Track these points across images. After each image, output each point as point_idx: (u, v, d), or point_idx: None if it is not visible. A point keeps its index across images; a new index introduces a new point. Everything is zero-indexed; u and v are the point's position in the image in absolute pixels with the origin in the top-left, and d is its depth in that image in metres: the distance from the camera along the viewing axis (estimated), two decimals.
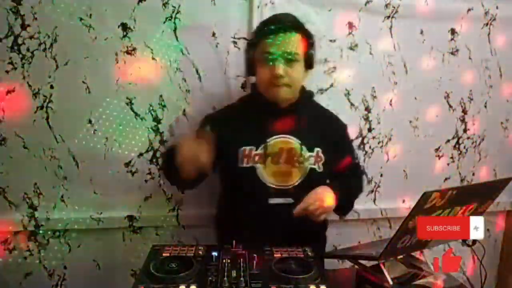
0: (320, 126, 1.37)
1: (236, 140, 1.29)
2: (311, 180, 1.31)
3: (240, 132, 1.30)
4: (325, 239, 1.50)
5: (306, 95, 1.41)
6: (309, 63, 1.29)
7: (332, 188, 1.27)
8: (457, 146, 2.00)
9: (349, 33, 1.72)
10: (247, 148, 1.29)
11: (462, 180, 2.04)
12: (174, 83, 1.59)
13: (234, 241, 1.17)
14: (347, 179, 1.41)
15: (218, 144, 1.21)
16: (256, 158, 1.28)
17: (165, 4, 1.53)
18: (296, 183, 1.30)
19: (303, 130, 1.32)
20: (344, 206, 1.36)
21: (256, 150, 1.29)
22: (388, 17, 1.76)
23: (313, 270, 1.02)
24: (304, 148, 1.31)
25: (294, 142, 1.31)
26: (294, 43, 1.24)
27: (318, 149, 1.33)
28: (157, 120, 1.60)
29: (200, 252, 1.12)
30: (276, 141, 1.30)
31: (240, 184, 1.31)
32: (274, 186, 1.29)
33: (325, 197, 1.22)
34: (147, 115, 1.59)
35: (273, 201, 1.28)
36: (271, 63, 1.23)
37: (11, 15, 1.40)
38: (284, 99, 1.30)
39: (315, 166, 1.33)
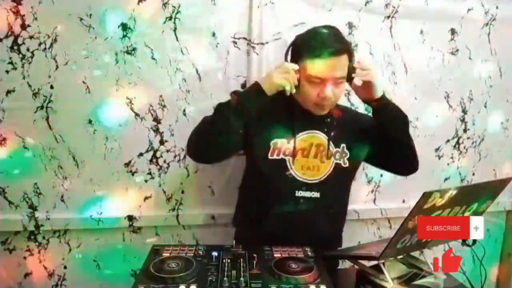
0: (347, 122, 1.39)
1: (268, 132, 1.31)
2: (337, 175, 1.34)
3: (272, 124, 1.31)
4: (341, 240, 1.50)
5: None
6: (350, 77, 1.28)
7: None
8: (457, 146, 2.00)
9: (349, 33, 1.72)
10: (279, 140, 1.31)
11: (462, 180, 2.04)
12: (174, 83, 1.59)
13: (234, 241, 1.17)
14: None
15: (249, 134, 1.27)
16: (287, 151, 1.31)
17: (165, 4, 1.53)
18: (323, 178, 1.33)
19: (330, 126, 1.35)
20: (395, 119, 1.36)
21: (287, 143, 1.31)
22: (388, 17, 1.76)
23: (313, 270, 1.02)
24: (331, 143, 1.34)
25: (322, 137, 1.34)
26: (343, 66, 1.23)
27: (343, 144, 1.36)
28: (157, 120, 1.60)
29: (200, 252, 1.12)
30: (305, 136, 1.33)
31: (269, 176, 1.32)
32: (301, 180, 1.31)
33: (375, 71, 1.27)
34: (147, 115, 1.59)
35: (300, 193, 1.31)
36: (319, 86, 1.23)
37: (11, 15, 1.40)
38: (326, 112, 1.33)
39: (340, 161, 1.36)
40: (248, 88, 1.27)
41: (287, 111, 1.33)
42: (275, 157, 1.31)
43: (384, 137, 1.34)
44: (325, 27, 1.29)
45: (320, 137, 1.34)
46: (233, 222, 1.53)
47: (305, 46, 1.23)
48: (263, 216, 1.32)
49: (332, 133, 1.35)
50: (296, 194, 1.31)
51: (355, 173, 1.47)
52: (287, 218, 1.30)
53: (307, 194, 1.32)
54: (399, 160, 1.42)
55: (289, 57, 1.29)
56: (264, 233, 1.29)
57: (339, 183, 1.37)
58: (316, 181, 1.33)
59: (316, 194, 1.32)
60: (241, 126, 1.23)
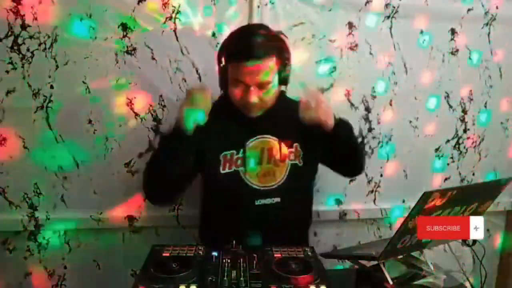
0: (295, 120, 1.28)
1: (215, 146, 1.27)
2: (295, 176, 1.30)
3: (219, 137, 1.27)
4: (308, 239, 1.47)
5: (279, 97, 1.32)
6: (284, 81, 1.25)
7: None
8: (457, 146, 2.00)
9: (349, 33, 1.72)
10: (228, 153, 1.28)
11: (462, 180, 2.04)
12: (174, 83, 1.59)
13: (234, 241, 1.17)
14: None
15: (198, 152, 1.23)
16: (238, 161, 1.27)
17: (165, 4, 1.53)
18: (281, 182, 1.30)
19: (280, 127, 1.31)
20: (347, 144, 1.30)
21: (237, 154, 1.28)
22: (388, 17, 1.76)
23: (313, 270, 1.02)
24: (283, 145, 1.30)
25: (273, 140, 1.30)
26: (267, 70, 1.17)
27: (296, 143, 1.32)
28: (157, 120, 1.60)
29: (200, 252, 1.12)
30: (255, 143, 1.29)
31: (224, 189, 1.28)
32: (259, 188, 1.28)
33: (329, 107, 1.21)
34: (147, 115, 1.59)
35: (260, 202, 1.27)
36: (244, 89, 1.19)
37: (11, 15, 1.40)
38: (256, 114, 1.27)
39: (296, 161, 1.32)
40: (169, 132, 1.21)
41: (232, 119, 1.28)
42: (227, 170, 1.27)
43: (336, 146, 1.28)
44: (252, 27, 1.27)
45: (271, 140, 1.30)
46: (200, 237, 1.48)
47: (228, 49, 1.20)
48: (227, 229, 1.25)
49: (281, 134, 1.30)
50: (256, 203, 1.27)
51: (315, 173, 1.42)
52: (251, 227, 1.24)
53: (268, 201, 1.27)
54: (347, 163, 1.38)
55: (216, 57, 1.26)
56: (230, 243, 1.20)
57: (298, 184, 1.33)
58: (275, 186, 1.29)
59: (277, 199, 1.28)
60: (189, 151, 1.20)
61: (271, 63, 1.18)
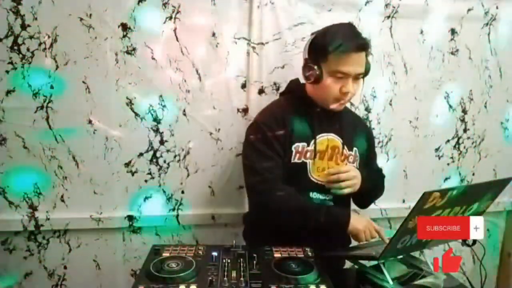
0: (356, 127, 1.45)
1: (289, 137, 1.31)
2: None
3: (293, 129, 1.32)
4: (350, 240, 1.48)
5: None
6: (366, 74, 1.34)
7: (362, 172, 1.34)
8: (457, 146, 2.00)
9: None
10: (300, 144, 1.32)
11: (462, 180, 2.04)
12: (174, 83, 1.59)
13: (234, 241, 1.17)
14: (375, 177, 1.48)
15: (283, 137, 1.30)
16: (308, 154, 1.32)
17: (165, 4, 1.53)
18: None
19: (344, 130, 1.38)
20: (366, 195, 1.43)
21: (308, 146, 1.32)
22: (388, 17, 1.76)
23: (313, 270, 1.02)
24: (345, 146, 1.36)
25: (338, 140, 1.36)
26: (364, 62, 1.28)
27: (356, 148, 1.40)
28: (157, 120, 1.60)
29: (200, 252, 1.12)
30: (323, 139, 1.34)
31: (290, 179, 1.31)
32: (317, 182, 1.33)
33: (356, 173, 1.32)
34: (147, 115, 1.59)
35: (314, 195, 1.33)
36: (341, 81, 1.26)
37: (11, 15, 1.40)
38: (340, 108, 1.35)
39: (354, 165, 1.39)
40: (337, 219, 1.28)
41: (304, 113, 1.35)
42: (297, 160, 1.31)
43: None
44: (344, 24, 1.33)
45: (335, 139, 1.36)
46: (243, 219, 1.52)
47: (330, 42, 1.24)
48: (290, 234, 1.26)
49: (346, 136, 1.38)
50: (311, 195, 1.33)
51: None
52: (308, 234, 1.26)
53: (322, 196, 1.33)
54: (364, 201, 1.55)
55: (306, 55, 1.31)
56: (276, 233, 1.25)
57: None
58: None
59: (330, 196, 1.35)
60: None
61: (365, 57, 1.29)
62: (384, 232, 1.27)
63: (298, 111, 1.35)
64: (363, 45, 1.26)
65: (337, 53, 1.22)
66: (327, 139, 1.35)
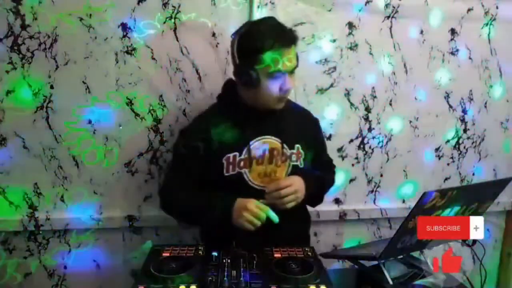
0: (296, 122, 1.37)
1: (218, 149, 1.28)
2: None
3: (221, 140, 1.28)
4: (309, 238, 1.49)
5: None
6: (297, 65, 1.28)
7: (305, 179, 1.28)
8: (457, 146, 2.00)
9: (349, 33, 1.72)
10: (231, 155, 1.27)
11: (462, 180, 2.04)
12: (174, 83, 1.59)
13: (234, 241, 1.17)
14: (322, 173, 1.43)
15: (200, 156, 1.26)
16: (242, 163, 1.28)
17: (165, 4, 1.53)
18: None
19: (282, 128, 1.31)
20: (314, 198, 1.38)
21: (240, 155, 1.28)
22: (388, 17, 1.76)
23: (313, 270, 1.02)
24: (285, 146, 1.31)
25: (276, 141, 1.31)
26: (295, 56, 1.23)
27: (298, 145, 1.33)
28: (157, 120, 1.60)
29: (200, 252, 1.12)
30: (258, 143, 1.29)
31: (228, 191, 1.27)
32: (261, 188, 1.28)
33: (299, 185, 1.25)
34: (147, 115, 1.59)
35: (262, 202, 1.24)
36: (279, 80, 1.21)
37: (11, 15, 1.40)
38: (281, 106, 1.29)
39: (297, 163, 1.33)
40: (217, 215, 1.22)
41: (236, 120, 1.29)
42: (231, 172, 1.27)
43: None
44: (266, 19, 1.27)
45: (273, 141, 1.30)
46: (201, 238, 1.49)
47: (261, 42, 1.17)
48: (228, 229, 1.23)
49: (284, 135, 1.31)
50: None
51: None
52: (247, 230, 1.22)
53: None
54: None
55: (237, 60, 1.23)
56: (230, 240, 1.20)
57: None
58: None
59: None
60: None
61: (295, 50, 1.23)
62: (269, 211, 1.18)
63: (229, 119, 1.29)
64: (295, 39, 1.21)
65: (271, 53, 1.17)
66: (263, 142, 1.29)
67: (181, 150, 1.32)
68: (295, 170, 1.32)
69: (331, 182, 1.52)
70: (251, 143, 1.28)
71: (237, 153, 1.27)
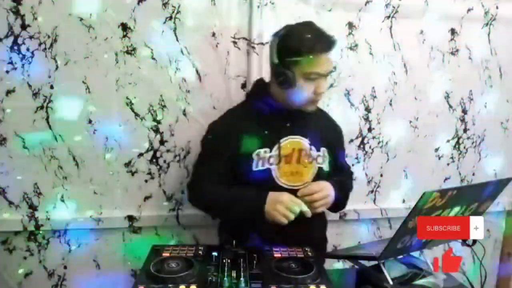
0: (323, 127, 1.42)
1: (248, 144, 1.29)
2: (320, 179, 1.33)
3: (252, 135, 1.30)
4: (326, 240, 1.51)
5: None
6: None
7: (333, 185, 1.31)
8: (457, 146, 2.00)
9: (349, 33, 1.72)
10: (261, 150, 1.30)
11: (462, 180, 2.04)
12: (174, 83, 1.59)
13: (234, 241, 1.17)
14: (345, 179, 1.46)
15: (230, 151, 1.28)
16: (271, 159, 1.30)
17: (165, 4, 1.53)
18: (307, 183, 1.32)
19: (311, 130, 1.35)
20: (339, 204, 1.40)
21: (270, 151, 1.30)
22: (388, 17, 1.76)
23: (313, 270, 1.02)
24: (313, 147, 1.34)
25: (304, 142, 1.34)
26: (331, 60, 1.27)
27: (324, 148, 1.37)
28: (157, 120, 1.60)
29: (200, 252, 1.12)
30: (288, 142, 1.32)
31: (257, 186, 1.29)
32: (287, 187, 1.30)
33: (329, 190, 1.28)
34: (147, 115, 1.59)
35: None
36: (315, 82, 1.25)
37: (11, 15, 1.40)
38: (314, 109, 1.34)
39: (323, 165, 1.36)
40: (249, 207, 1.25)
41: (267, 118, 1.32)
42: (260, 167, 1.29)
43: None
44: (307, 23, 1.29)
45: (301, 142, 1.33)
46: (218, 233, 1.50)
47: (302, 44, 1.21)
48: (250, 225, 1.28)
49: (312, 137, 1.35)
50: None
51: None
52: (273, 226, 1.24)
53: None
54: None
55: (276, 60, 1.26)
56: (249, 238, 1.25)
57: None
58: (301, 186, 1.31)
59: (304, 200, 1.28)
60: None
61: (331, 56, 1.27)
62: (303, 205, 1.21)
63: (259, 115, 1.32)
64: (333, 44, 1.24)
65: (311, 55, 1.21)
66: (292, 142, 1.32)
67: (210, 144, 1.35)
68: (320, 172, 1.35)
69: (352, 188, 1.56)
70: (281, 140, 1.31)
71: (267, 149, 1.30)
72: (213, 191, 1.32)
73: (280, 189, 1.29)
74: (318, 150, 1.35)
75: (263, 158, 1.29)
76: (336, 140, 1.47)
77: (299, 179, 1.32)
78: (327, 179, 1.34)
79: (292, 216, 1.18)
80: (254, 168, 1.29)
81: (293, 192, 1.28)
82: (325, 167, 1.37)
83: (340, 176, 1.43)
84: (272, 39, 1.30)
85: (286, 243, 1.20)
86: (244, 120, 1.32)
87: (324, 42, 1.23)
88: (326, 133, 1.40)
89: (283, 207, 1.18)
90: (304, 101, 1.28)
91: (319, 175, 1.34)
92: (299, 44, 1.22)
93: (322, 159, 1.36)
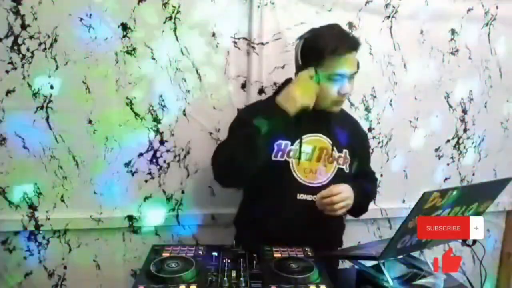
0: (348, 129, 1.43)
1: (271, 132, 1.28)
2: (339, 180, 1.34)
3: (276, 125, 1.28)
4: (342, 244, 1.51)
5: None
6: (358, 71, 1.33)
7: (354, 188, 1.30)
8: (457, 146, 2.00)
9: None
10: (283, 142, 1.31)
11: (462, 180, 2.04)
12: (174, 83, 1.59)
13: (234, 241, 1.17)
14: (366, 183, 1.46)
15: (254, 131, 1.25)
16: (291, 153, 1.31)
17: (165, 4, 1.53)
18: (325, 182, 1.33)
19: (334, 131, 1.37)
20: (359, 207, 1.39)
21: (291, 145, 1.31)
22: (388, 17, 1.76)
23: (313, 270, 1.02)
24: (334, 148, 1.35)
25: (326, 141, 1.35)
26: (356, 61, 1.28)
27: (346, 150, 1.38)
28: (157, 120, 1.60)
29: (200, 252, 1.12)
30: (310, 139, 1.33)
31: (272, 177, 1.31)
32: (304, 182, 1.31)
33: (349, 193, 1.27)
34: (147, 115, 1.59)
35: (302, 196, 1.31)
36: (338, 83, 1.26)
37: (11, 15, 1.40)
38: (339, 109, 1.35)
39: (343, 167, 1.37)
40: (268, 113, 1.23)
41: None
42: (279, 158, 1.31)
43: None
44: (332, 25, 1.31)
45: (324, 140, 1.35)
46: (234, 222, 1.52)
47: (325, 45, 1.23)
48: (264, 217, 1.32)
49: (335, 138, 1.36)
50: (298, 197, 1.31)
51: None
52: (288, 220, 1.28)
53: (309, 197, 1.31)
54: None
55: (300, 60, 1.29)
56: (265, 234, 1.28)
57: None
58: (318, 185, 1.32)
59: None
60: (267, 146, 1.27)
61: (356, 56, 1.29)
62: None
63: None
64: (357, 45, 1.26)
65: (333, 56, 1.22)
66: (315, 140, 1.34)
67: (236, 123, 1.36)
68: (340, 173, 1.35)
69: (375, 194, 1.57)
70: (303, 136, 1.32)
71: (289, 142, 1.31)
72: (226, 142, 1.33)
73: (296, 182, 1.31)
74: (340, 151, 1.36)
75: (283, 150, 1.31)
76: (360, 144, 1.47)
77: (316, 177, 1.33)
78: (347, 181, 1.33)
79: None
80: (273, 158, 1.30)
81: (308, 188, 1.31)
82: (346, 168, 1.37)
83: (363, 181, 1.43)
84: (297, 41, 1.32)
85: (302, 244, 1.20)
86: (271, 107, 1.29)
87: (347, 43, 1.24)
88: (350, 135, 1.41)
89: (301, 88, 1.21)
90: (328, 102, 1.29)
91: (339, 176, 1.35)
92: (322, 45, 1.23)
93: (343, 160, 1.37)
